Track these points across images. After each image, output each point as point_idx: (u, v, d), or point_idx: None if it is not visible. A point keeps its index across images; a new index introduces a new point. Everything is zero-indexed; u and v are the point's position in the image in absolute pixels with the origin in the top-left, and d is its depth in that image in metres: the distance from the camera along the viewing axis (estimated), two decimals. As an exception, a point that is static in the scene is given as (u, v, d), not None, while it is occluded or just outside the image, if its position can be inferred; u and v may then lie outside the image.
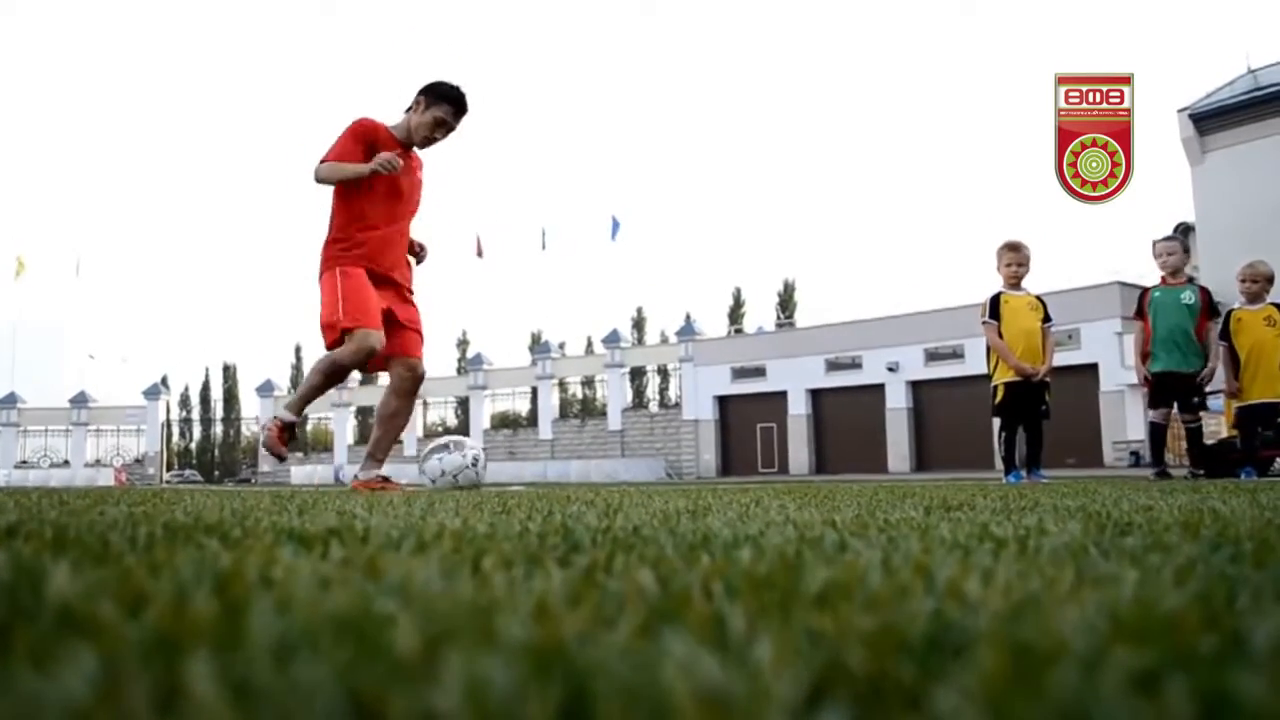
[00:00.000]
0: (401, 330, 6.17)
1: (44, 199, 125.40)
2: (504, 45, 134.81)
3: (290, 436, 6.14)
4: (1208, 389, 8.72)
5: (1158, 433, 8.90)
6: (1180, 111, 35.33)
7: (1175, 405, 8.76)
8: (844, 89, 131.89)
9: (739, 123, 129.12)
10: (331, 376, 5.96)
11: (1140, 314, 8.82)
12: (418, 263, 6.58)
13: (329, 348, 5.96)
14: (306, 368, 73.41)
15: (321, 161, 5.93)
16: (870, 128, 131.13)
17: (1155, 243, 8.91)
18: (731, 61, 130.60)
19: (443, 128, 6.15)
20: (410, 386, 6.27)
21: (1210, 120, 35.87)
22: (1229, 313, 8.87)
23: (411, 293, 6.35)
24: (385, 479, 6.09)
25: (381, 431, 6.32)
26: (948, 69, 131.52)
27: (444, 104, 6.10)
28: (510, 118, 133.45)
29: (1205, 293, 8.74)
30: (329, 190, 6.06)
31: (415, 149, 6.28)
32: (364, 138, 5.99)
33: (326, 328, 5.92)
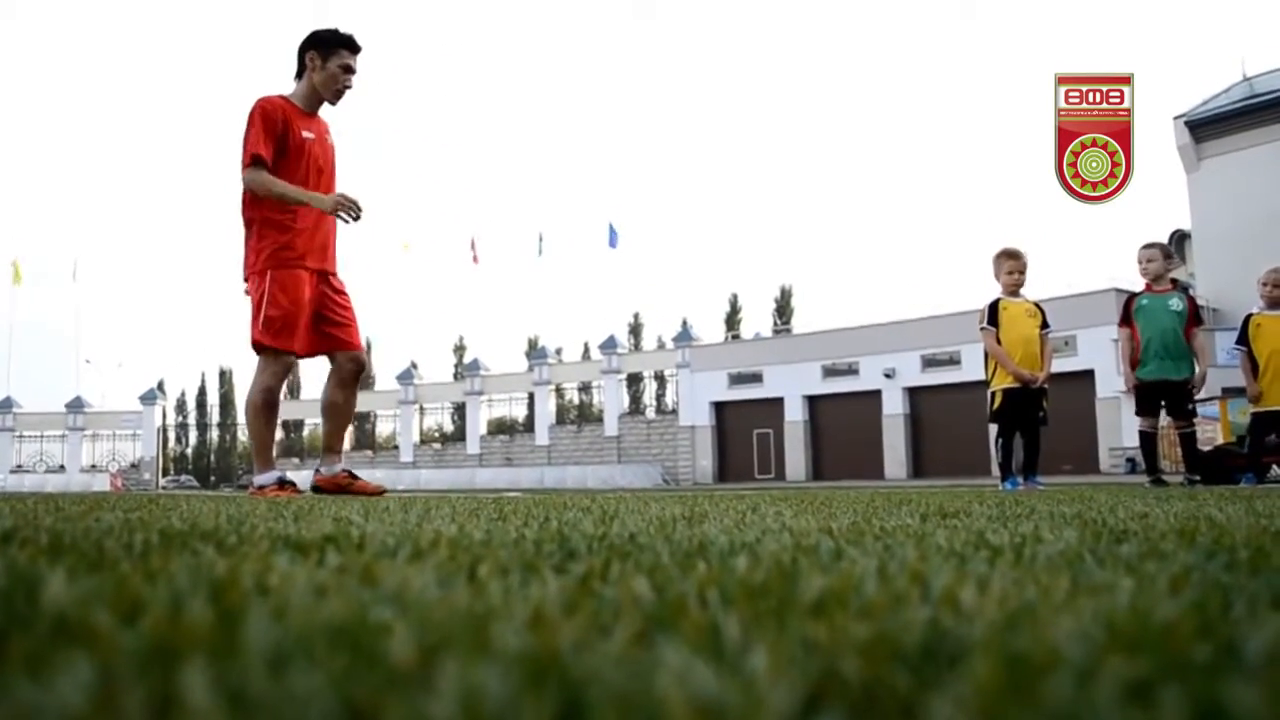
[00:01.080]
0: (336, 325, 6.09)
1: (41, 203, 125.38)
2: (500, 51, 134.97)
3: (287, 485, 5.94)
4: (1198, 395, 8.74)
5: (1147, 441, 8.93)
6: (1176, 119, 35.44)
7: (1164, 412, 8.79)
8: (842, 92, 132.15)
9: (736, 128, 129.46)
10: (271, 410, 5.99)
11: (1127, 320, 8.83)
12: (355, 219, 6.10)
13: (253, 344, 5.91)
14: (302, 373, 73.45)
15: (248, 165, 5.73)
16: (868, 131, 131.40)
17: (1139, 249, 8.92)
18: (728, 66, 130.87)
19: (349, 73, 6.01)
20: (354, 376, 6.25)
21: (1206, 127, 36.00)
22: (1248, 317, 8.89)
23: (336, 275, 6.19)
24: (351, 474, 6.08)
25: (332, 424, 6.27)
26: (948, 70, 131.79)
27: (340, 50, 5.96)
28: (506, 123, 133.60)
29: (1191, 300, 8.75)
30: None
31: (319, 114, 6.13)
32: (275, 125, 5.80)
33: (252, 329, 5.87)
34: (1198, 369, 8.58)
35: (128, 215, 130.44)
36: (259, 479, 5.92)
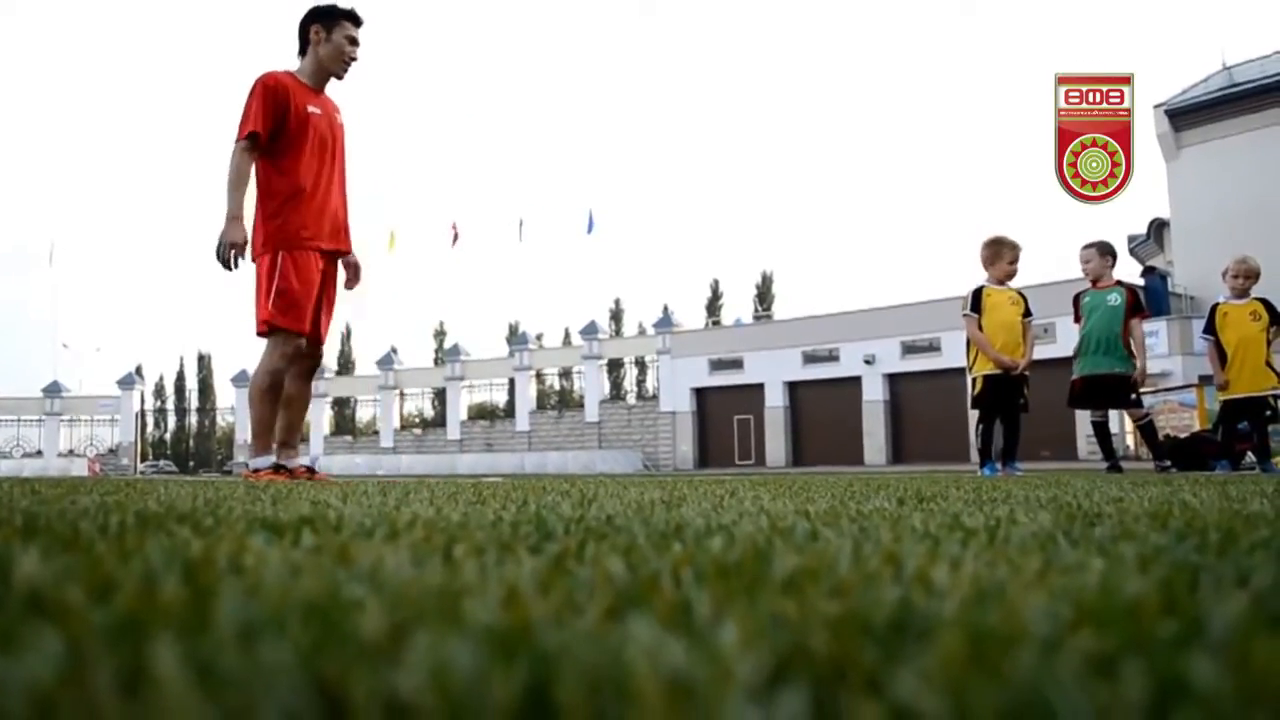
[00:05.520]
0: (317, 314, 5.97)
1: (16, 186, 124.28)
2: (480, 36, 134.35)
3: (282, 471, 5.79)
4: (1145, 388, 8.84)
5: (1101, 430, 9.09)
6: (1156, 107, 35.56)
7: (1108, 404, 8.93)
8: (829, 81, 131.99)
9: (719, 114, 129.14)
10: (277, 393, 5.83)
11: (1078, 319, 8.95)
12: (347, 286, 6.24)
13: (259, 334, 5.80)
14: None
15: (239, 139, 5.63)
16: (854, 120, 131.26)
17: (1080, 249, 9.04)
18: (712, 52, 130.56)
19: (354, 44, 5.97)
20: (312, 370, 6.12)
21: (1185, 116, 36.14)
22: (1214, 307, 8.97)
23: (345, 260, 6.15)
24: (310, 470, 5.95)
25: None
26: (928, 60, 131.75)
27: (344, 22, 5.93)
28: (487, 109, 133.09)
29: (1131, 293, 8.81)
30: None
31: (326, 93, 6.05)
32: (276, 101, 5.70)
33: (260, 311, 5.74)
34: (1137, 362, 8.64)
35: (105, 198, 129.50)
36: (254, 462, 5.83)
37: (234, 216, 5.58)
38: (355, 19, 5.97)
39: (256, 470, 5.76)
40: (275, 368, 5.76)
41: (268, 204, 5.76)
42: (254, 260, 5.80)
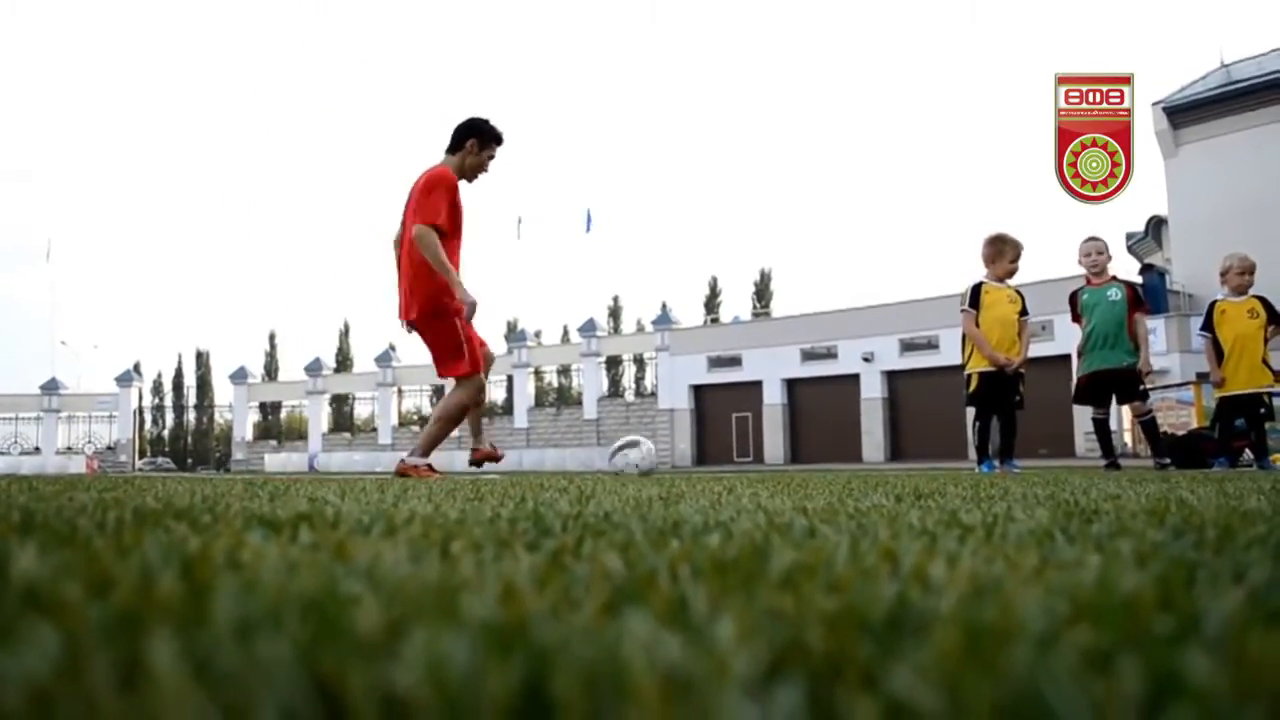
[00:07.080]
0: None
1: (14, 182, 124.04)
2: (478, 36, 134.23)
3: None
4: (1149, 384, 8.81)
5: (1101, 428, 9.07)
6: (1154, 105, 35.54)
7: (1114, 400, 8.91)
8: (830, 81, 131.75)
9: (718, 112, 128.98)
10: (461, 418, 6.92)
11: (1077, 317, 8.93)
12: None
13: (448, 375, 6.85)
14: (281, 355, 73.27)
15: (429, 223, 6.47)
16: (854, 120, 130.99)
17: (1080, 243, 9.01)
18: (712, 51, 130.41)
19: (492, 159, 6.96)
20: (482, 399, 7.14)
21: (1183, 114, 36.13)
22: (1212, 304, 8.97)
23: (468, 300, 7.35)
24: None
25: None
26: (942, 66, 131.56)
27: (493, 144, 6.89)
28: (485, 107, 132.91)
29: (1131, 288, 8.81)
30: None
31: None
32: (455, 198, 6.66)
33: (455, 363, 6.74)
34: (1141, 356, 8.65)
35: (103, 194, 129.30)
36: (413, 460, 6.66)
37: (459, 284, 6.58)
38: (502, 141, 6.98)
39: (415, 466, 6.58)
40: (469, 401, 6.83)
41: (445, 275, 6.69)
42: (430, 318, 6.75)
